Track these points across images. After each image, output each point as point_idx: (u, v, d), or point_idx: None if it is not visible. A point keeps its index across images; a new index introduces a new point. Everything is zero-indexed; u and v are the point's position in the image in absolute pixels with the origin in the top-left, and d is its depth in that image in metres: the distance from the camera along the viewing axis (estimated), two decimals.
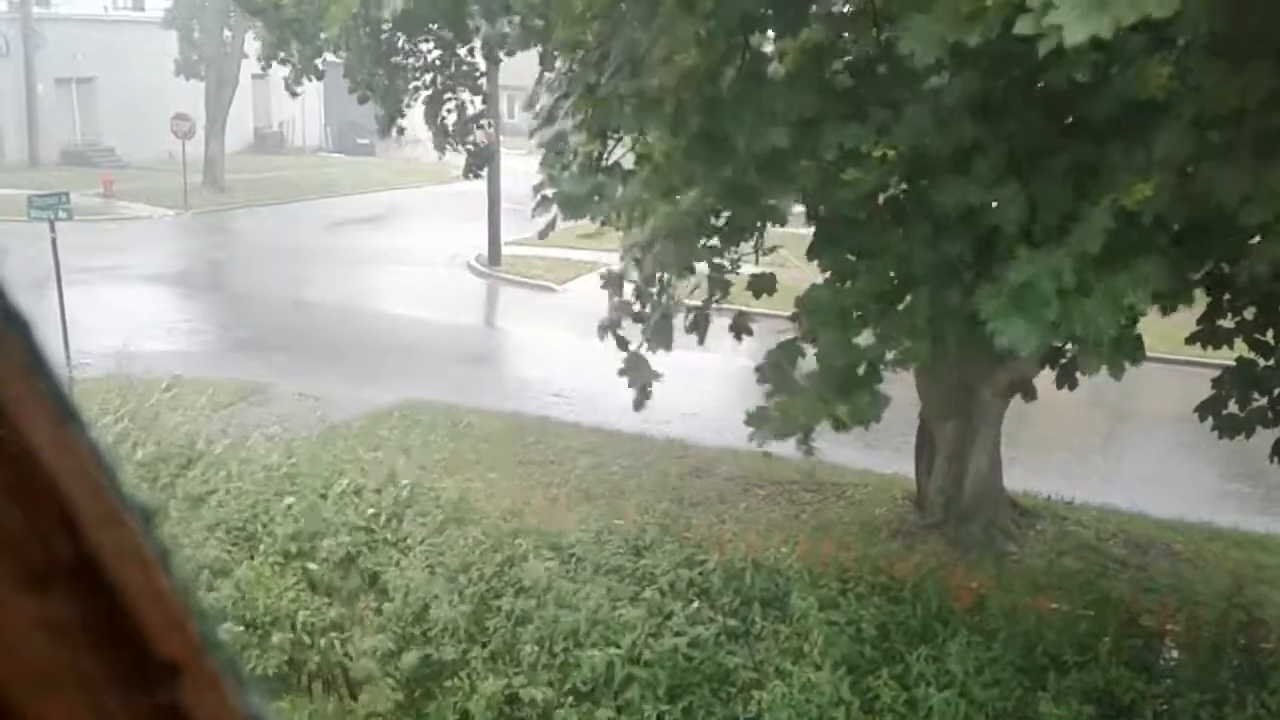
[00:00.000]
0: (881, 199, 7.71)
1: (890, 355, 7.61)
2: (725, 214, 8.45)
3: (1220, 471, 13.10)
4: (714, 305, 9.34)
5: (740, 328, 9.28)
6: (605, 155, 8.27)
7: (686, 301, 9.28)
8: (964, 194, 6.70)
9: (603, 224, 8.46)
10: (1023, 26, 4.84)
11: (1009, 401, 10.43)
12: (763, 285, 8.85)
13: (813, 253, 8.23)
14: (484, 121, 16.21)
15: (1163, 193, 5.99)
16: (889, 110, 6.79)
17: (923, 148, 6.83)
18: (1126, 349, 6.36)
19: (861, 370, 7.44)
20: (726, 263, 9.08)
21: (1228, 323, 8.97)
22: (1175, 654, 7.99)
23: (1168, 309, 7.95)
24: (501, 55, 14.10)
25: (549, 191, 8.26)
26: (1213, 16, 5.78)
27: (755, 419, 7.78)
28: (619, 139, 8.22)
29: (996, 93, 6.88)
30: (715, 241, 8.71)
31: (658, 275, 8.80)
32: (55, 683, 0.42)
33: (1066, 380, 9.49)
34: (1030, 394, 10.00)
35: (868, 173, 6.71)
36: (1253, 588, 8.96)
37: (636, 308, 9.20)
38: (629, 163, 8.42)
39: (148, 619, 0.44)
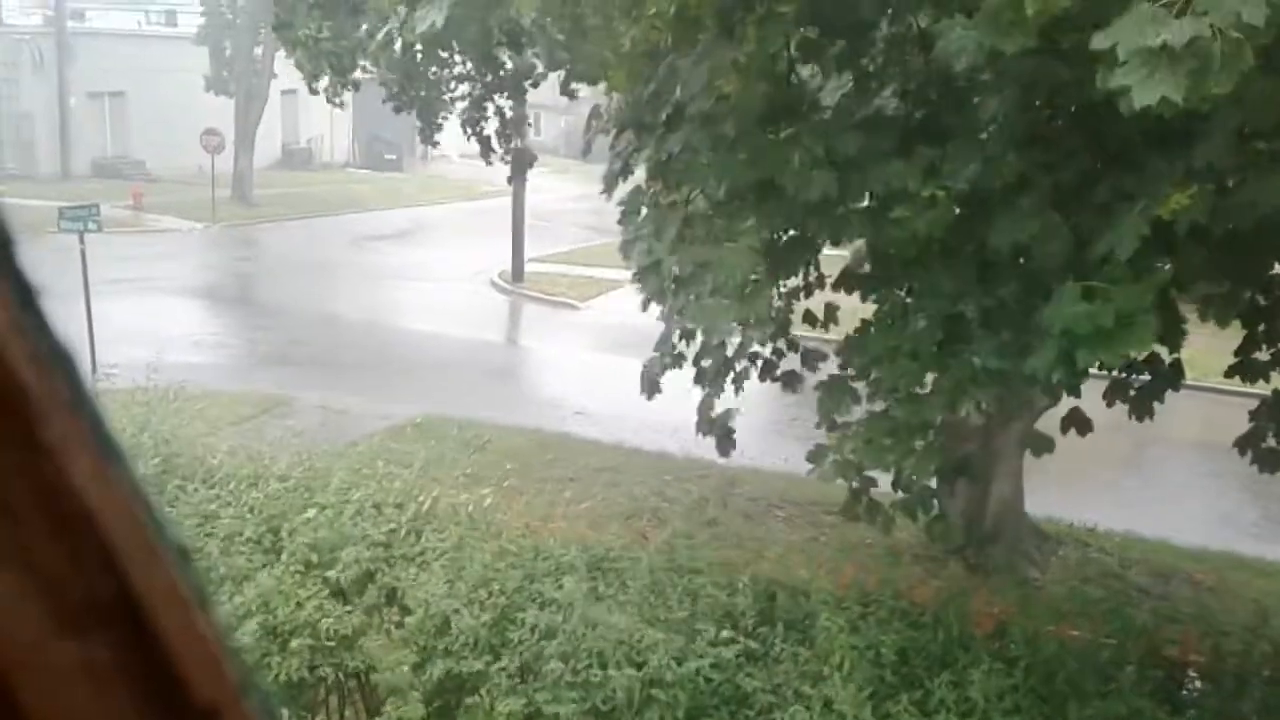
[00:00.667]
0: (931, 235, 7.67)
1: (961, 409, 7.59)
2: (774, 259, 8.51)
3: (1245, 499, 12.96)
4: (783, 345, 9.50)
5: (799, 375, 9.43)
6: (684, 205, 8.23)
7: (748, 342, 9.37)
8: (1015, 231, 6.63)
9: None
10: (1105, 81, 4.78)
11: (1032, 426, 10.35)
12: (826, 315, 9.19)
13: (863, 288, 8.31)
14: (521, 129, 16.24)
15: (1201, 201, 5.88)
16: (936, 148, 6.74)
17: (971, 185, 6.77)
18: (1131, 339, 6.01)
19: (919, 421, 7.46)
20: (777, 296, 9.19)
21: (1263, 355, 8.85)
22: (1198, 685, 7.89)
23: (1216, 319, 7.83)
24: (527, 86, 14.18)
25: (643, 261, 8.29)
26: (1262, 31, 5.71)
27: (816, 456, 7.88)
28: (694, 191, 8.17)
29: (1040, 121, 6.81)
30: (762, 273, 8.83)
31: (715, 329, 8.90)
32: None
33: (1142, 410, 9.22)
34: (1086, 428, 9.72)
35: (917, 213, 6.66)
36: (1278, 619, 8.85)
37: (687, 351, 9.31)
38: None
39: (185, 661, 0.44)
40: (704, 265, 7.42)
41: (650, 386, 9.39)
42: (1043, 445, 9.66)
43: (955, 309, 7.29)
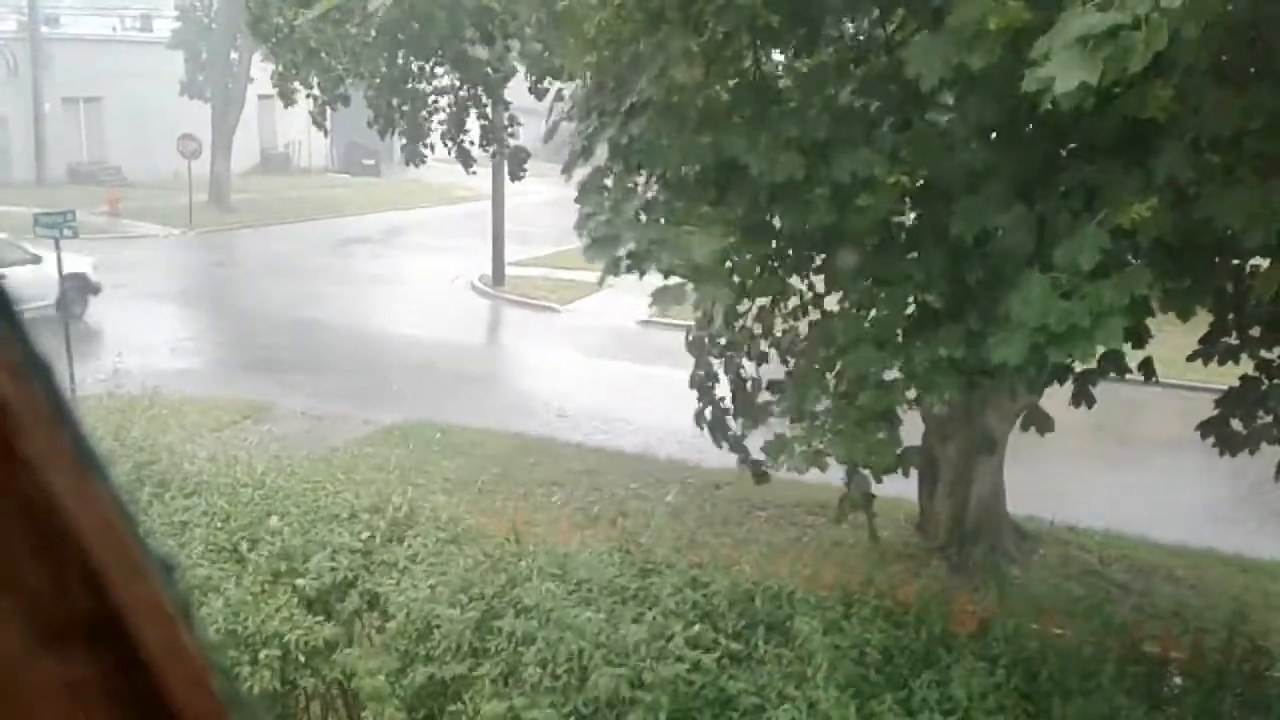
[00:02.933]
0: (896, 223, 7.71)
1: (915, 394, 7.60)
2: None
3: (1223, 496, 13.05)
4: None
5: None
6: (644, 187, 8.22)
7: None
8: (980, 218, 6.69)
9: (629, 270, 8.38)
10: (1028, 84, 4.95)
11: (1013, 425, 10.40)
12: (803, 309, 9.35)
13: (830, 281, 8.34)
14: (503, 134, 16.19)
15: (1161, 214, 5.97)
16: (899, 134, 6.80)
17: (934, 173, 6.83)
18: (1103, 336, 6.03)
19: (882, 408, 7.49)
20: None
21: (1233, 339, 8.93)
22: (1179, 682, 7.93)
23: (1178, 313, 7.87)
24: (499, 79, 14.14)
25: (598, 234, 8.23)
26: (1213, 43, 5.81)
27: (772, 449, 7.88)
28: (654, 174, 8.18)
29: (1003, 115, 6.88)
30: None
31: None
32: None
33: (1083, 397, 9.38)
34: (1047, 426, 9.78)
35: (881, 199, 6.72)
36: (1258, 615, 8.91)
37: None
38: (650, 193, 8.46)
39: (169, 677, 0.43)
40: (659, 243, 7.42)
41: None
42: (987, 445, 9.76)
43: (920, 296, 7.34)
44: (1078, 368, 8.84)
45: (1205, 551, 11.64)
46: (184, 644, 0.44)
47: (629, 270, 8.09)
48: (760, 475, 9.63)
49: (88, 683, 0.41)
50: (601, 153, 8.31)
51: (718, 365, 9.84)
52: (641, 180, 8.27)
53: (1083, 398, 9.35)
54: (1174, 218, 6.12)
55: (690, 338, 9.87)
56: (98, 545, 0.42)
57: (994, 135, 6.91)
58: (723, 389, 9.96)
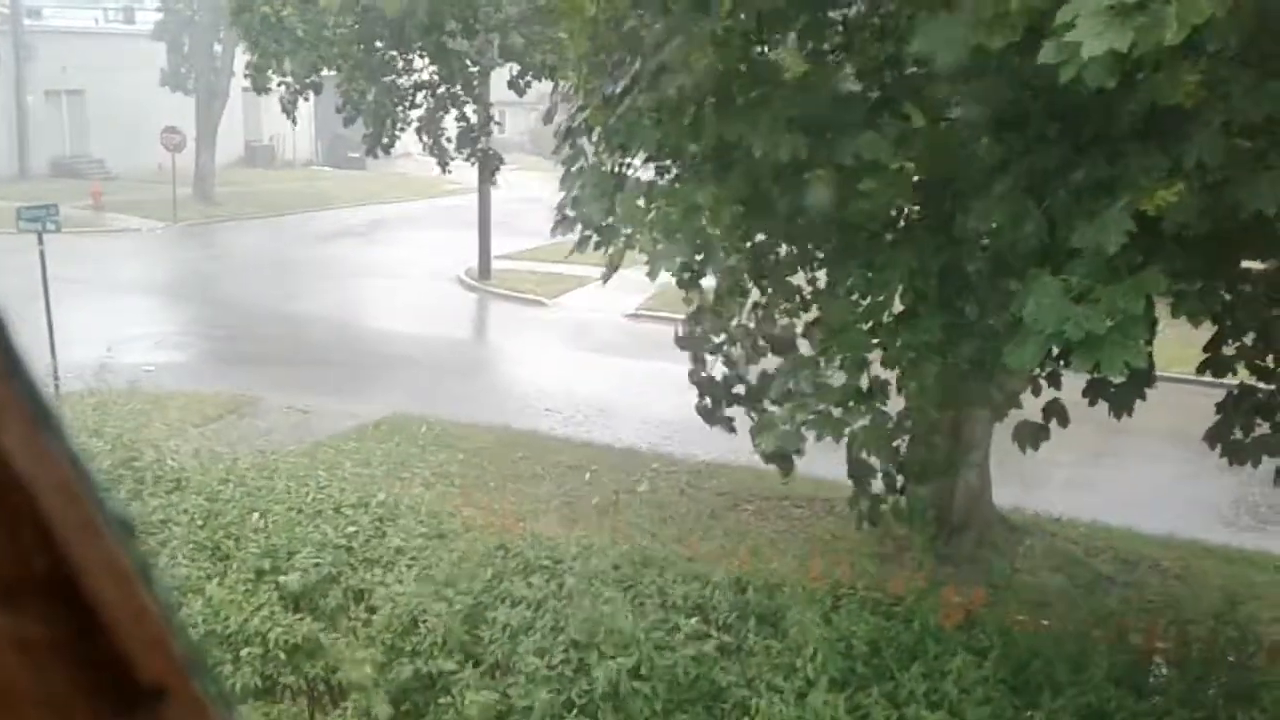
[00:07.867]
0: (896, 212, 7.68)
1: (895, 373, 7.62)
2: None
3: (1212, 488, 13.10)
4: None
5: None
6: (624, 168, 8.22)
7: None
8: (988, 216, 6.63)
9: (622, 250, 8.34)
10: (1047, 55, 4.87)
11: (1000, 416, 10.41)
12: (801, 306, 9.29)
13: (828, 263, 8.33)
14: (487, 130, 16.26)
15: (1187, 200, 5.91)
16: (904, 120, 6.74)
17: (941, 167, 6.76)
18: (1129, 350, 5.90)
19: (865, 386, 7.50)
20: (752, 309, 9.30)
21: (1229, 349, 8.91)
22: (1165, 671, 7.96)
23: (1189, 317, 7.81)
24: (473, 72, 14.16)
25: (570, 211, 8.22)
26: (1242, 26, 5.73)
27: (761, 428, 7.87)
28: (636, 153, 8.17)
29: (1013, 106, 6.80)
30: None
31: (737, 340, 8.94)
32: (24, 704, 0.38)
33: (1124, 406, 9.26)
34: (1064, 420, 9.65)
35: (885, 185, 6.66)
36: (1243, 605, 8.94)
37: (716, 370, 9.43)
38: (647, 175, 8.43)
39: (127, 638, 0.41)
40: (648, 223, 7.41)
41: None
42: (1034, 436, 9.65)
43: (914, 284, 7.32)
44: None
45: (1190, 543, 11.69)
46: (143, 604, 0.41)
47: (597, 247, 8.11)
48: (784, 468, 9.03)
49: (40, 640, 0.39)
50: (585, 137, 8.29)
51: (712, 361, 9.77)
52: (638, 162, 8.22)
53: (1122, 408, 9.20)
54: (1203, 202, 6.04)
55: (680, 333, 9.79)
56: (51, 501, 0.40)
57: (1004, 126, 6.82)
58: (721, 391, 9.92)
